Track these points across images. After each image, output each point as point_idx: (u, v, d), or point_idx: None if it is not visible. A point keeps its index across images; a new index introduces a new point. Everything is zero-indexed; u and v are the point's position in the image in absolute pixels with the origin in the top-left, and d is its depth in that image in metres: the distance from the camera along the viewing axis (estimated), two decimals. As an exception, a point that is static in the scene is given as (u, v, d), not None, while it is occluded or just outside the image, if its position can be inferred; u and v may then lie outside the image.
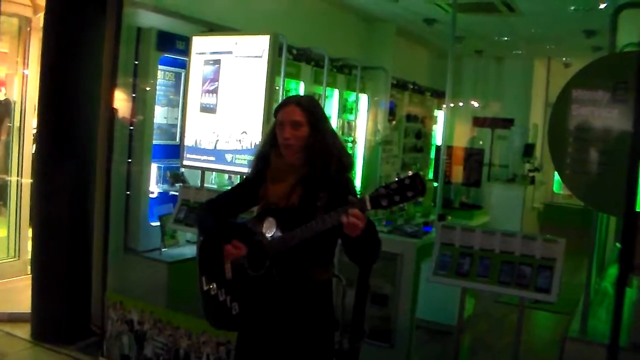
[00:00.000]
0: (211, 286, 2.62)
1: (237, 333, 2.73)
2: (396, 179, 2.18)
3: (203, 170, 4.80)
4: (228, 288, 2.57)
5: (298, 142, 2.49)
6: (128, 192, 5.31)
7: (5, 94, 6.44)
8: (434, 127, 11.58)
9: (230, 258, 2.53)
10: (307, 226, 2.32)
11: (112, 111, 4.81)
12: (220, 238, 2.59)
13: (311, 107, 2.56)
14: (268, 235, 2.46)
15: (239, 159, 4.44)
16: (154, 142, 5.45)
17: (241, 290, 2.54)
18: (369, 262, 2.64)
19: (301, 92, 7.04)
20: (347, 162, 2.57)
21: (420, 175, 2.15)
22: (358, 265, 2.63)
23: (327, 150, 2.50)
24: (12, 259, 6.14)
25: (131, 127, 5.24)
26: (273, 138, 2.59)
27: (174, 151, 5.41)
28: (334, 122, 7.87)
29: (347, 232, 2.23)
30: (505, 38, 9.92)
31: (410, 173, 2.17)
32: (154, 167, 5.49)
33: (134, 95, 5.20)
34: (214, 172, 5.55)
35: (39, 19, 5.65)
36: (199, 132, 4.67)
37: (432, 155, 11.10)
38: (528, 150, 10.69)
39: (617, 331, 3.09)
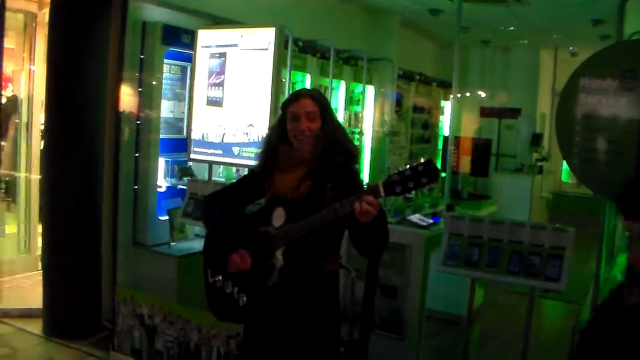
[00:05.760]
0: (217, 278, 2.61)
1: (244, 325, 2.73)
2: (408, 165, 2.13)
3: (210, 163, 4.81)
4: (235, 280, 2.56)
5: (312, 134, 2.50)
6: (136, 187, 5.31)
7: (12, 90, 6.45)
8: (441, 117, 11.55)
9: (233, 269, 2.52)
10: (318, 215, 2.31)
11: (119, 106, 4.82)
12: (226, 231, 2.59)
13: (322, 100, 2.59)
14: (277, 225, 2.46)
15: (246, 152, 4.44)
16: (161, 136, 5.45)
17: (249, 282, 2.53)
18: (377, 253, 2.62)
19: (307, 85, 7.03)
20: (354, 153, 2.58)
21: (433, 161, 2.11)
22: (365, 256, 2.61)
23: (337, 141, 2.52)
24: (22, 255, 6.17)
25: (138, 122, 5.24)
26: (281, 131, 2.59)
27: (181, 145, 5.42)
28: (341, 114, 7.86)
29: (358, 218, 2.19)
30: (512, 28, 9.85)
31: (422, 160, 2.13)
32: (161, 161, 5.50)
33: (140, 89, 5.21)
34: (221, 166, 5.56)
35: (45, 15, 5.65)
36: (206, 125, 4.67)
37: (440, 145, 11.08)
38: (536, 140, 10.65)
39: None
